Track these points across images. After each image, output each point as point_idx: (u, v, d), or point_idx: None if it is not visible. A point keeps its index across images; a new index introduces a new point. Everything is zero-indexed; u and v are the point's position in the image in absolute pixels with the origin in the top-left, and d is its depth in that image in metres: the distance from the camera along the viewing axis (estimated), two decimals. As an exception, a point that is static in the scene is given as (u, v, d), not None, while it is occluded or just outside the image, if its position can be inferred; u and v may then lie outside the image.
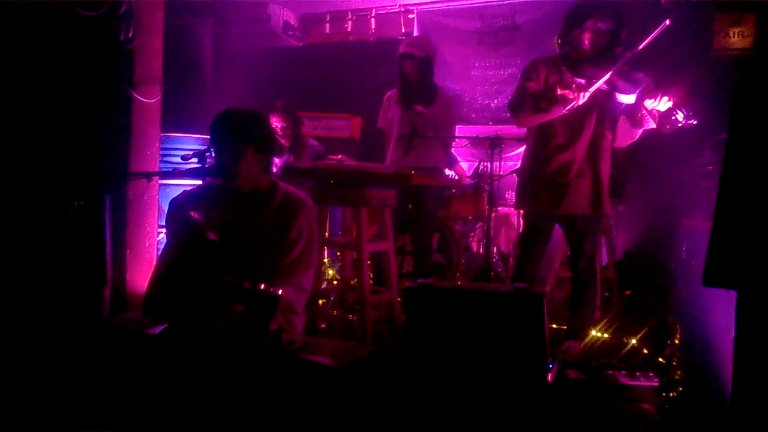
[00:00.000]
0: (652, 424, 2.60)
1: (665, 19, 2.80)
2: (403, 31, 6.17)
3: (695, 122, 2.91)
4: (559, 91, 3.01)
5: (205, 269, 2.20)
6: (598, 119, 3.19)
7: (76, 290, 3.38)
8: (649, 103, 2.94)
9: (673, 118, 2.90)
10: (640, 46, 2.88)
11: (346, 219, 4.92)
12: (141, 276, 3.59)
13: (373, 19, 6.36)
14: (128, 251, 3.61)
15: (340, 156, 3.96)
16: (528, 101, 3.12)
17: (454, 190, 4.89)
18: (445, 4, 6.00)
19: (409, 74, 4.13)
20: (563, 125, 3.18)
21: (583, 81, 3.09)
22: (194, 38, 5.37)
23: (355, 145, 5.67)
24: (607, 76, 2.99)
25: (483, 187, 4.80)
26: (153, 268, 2.35)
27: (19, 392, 2.55)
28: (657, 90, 2.91)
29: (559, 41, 3.19)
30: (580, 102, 3.01)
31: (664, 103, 2.89)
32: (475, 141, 4.67)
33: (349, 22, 6.47)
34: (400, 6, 6.15)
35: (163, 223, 2.49)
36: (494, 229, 4.84)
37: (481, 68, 5.84)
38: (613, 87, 3.05)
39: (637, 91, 2.99)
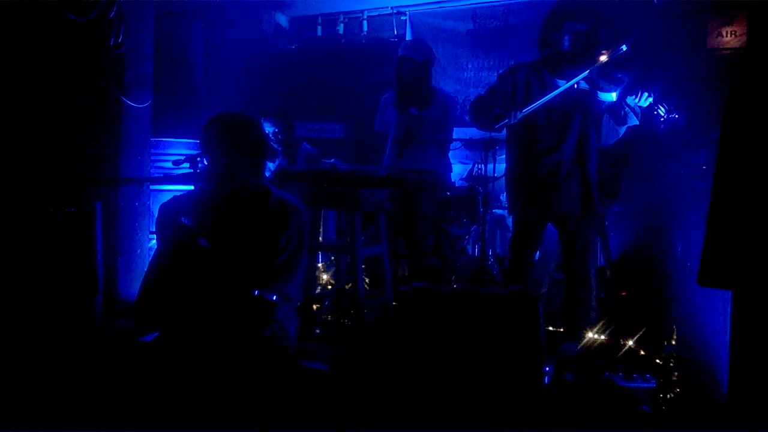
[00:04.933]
0: (650, 426, 2.59)
1: (624, 44, 2.95)
2: (395, 33, 6.15)
3: (677, 116, 2.96)
4: (495, 112, 3.15)
5: (197, 275, 2.19)
6: (583, 119, 3.22)
7: (68, 298, 3.35)
8: (630, 100, 3.00)
9: (655, 113, 2.96)
10: (602, 58, 2.99)
11: (340, 223, 4.90)
12: (132, 283, 3.57)
13: (365, 22, 6.34)
14: (119, 258, 3.59)
15: (333, 159, 3.94)
16: (476, 109, 3.29)
17: (448, 193, 4.88)
18: (437, 6, 5.99)
19: (407, 77, 4.12)
20: (549, 127, 3.21)
21: (563, 81, 3.15)
22: (185, 42, 5.34)
23: (348, 148, 5.66)
24: (564, 87, 3.07)
25: (477, 189, 4.78)
26: (144, 274, 2.33)
27: (12, 400, 2.52)
28: (638, 86, 2.96)
29: (540, 44, 3.23)
30: (513, 122, 3.10)
31: (644, 99, 2.95)
32: (469, 143, 4.65)
33: (341, 25, 6.45)
34: (392, 8, 6.13)
35: (154, 229, 2.46)
36: (489, 231, 4.82)
37: (475, 69, 5.83)
38: (594, 86, 3.09)
39: (619, 89, 3.03)
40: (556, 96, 3.13)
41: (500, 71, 3.45)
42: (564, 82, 3.13)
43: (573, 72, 3.08)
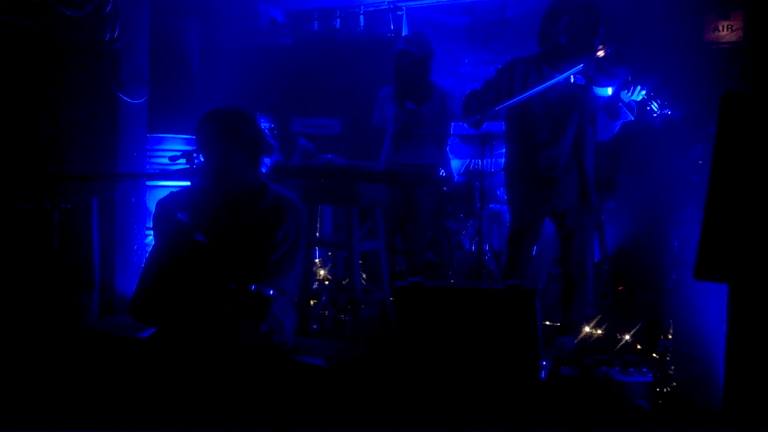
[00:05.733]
0: (646, 420, 2.60)
1: (611, 46, 3.00)
2: (392, 27, 6.13)
3: (670, 112, 2.97)
4: (471, 106, 3.22)
5: (194, 271, 2.19)
6: (580, 114, 3.23)
7: (64, 294, 3.34)
8: (624, 95, 3.01)
9: (648, 108, 2.97)
10: (600, 53, 3.01)
11: (337, 218, 4.90)
12: (129, 279, 3.57)
13: (361, 16, 6.33)
14: (116, 254, 3.59)
15: (330, 155, 3.93)
16: (464, 102, 3.32)
17: (445, 188, 4.87)
18: (434, 0, 5.97)
19: (405, 72, 4.11)
20: (547, 122, 3.23)
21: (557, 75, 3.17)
22: (181, 37, 5.32)
23: (345, 143, 5.64)
24: (552, 82, 3.08)
25: (474, 184, 4.78)
26: (141, 270, 2.32)
27: (6, 398, 2.52)
28: (632, 82, 2.97)
29: (539, 38, 3.24)
30: (485, 117, 3.17)
31: (638, 94, 2.96)
32: (466, 138, 4.64)
33: (338, 20, 6.43)
34: (388, 2, 6.11)
35: (151, 225, 2.46)
36: (486, 226, 4.82)
37: (472, 64, 5.81)
38: (590, 81, 3.09)
39: (615, 85, 3.04)
40: (554, 91, 3.13)
41: (497, 65, 3.45)
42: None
43: (571, 66, 3.09)
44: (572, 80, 3.12)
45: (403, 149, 4.11)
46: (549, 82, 3.09)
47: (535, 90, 3.09)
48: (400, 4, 6.06)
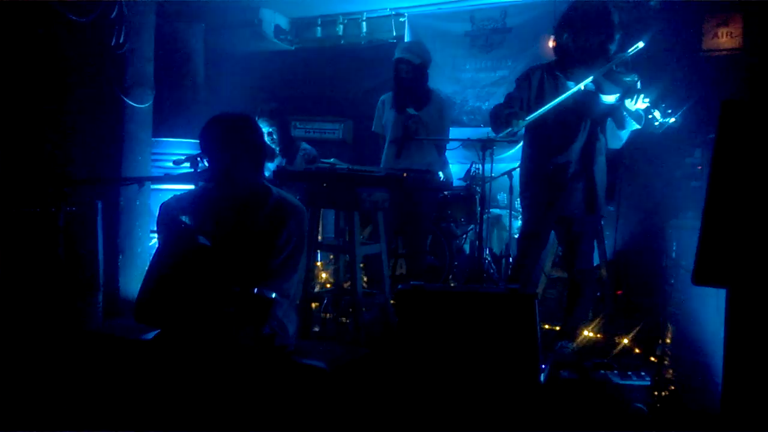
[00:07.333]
0: (645, 424, 2.61)
1: (640, 41, 2.99)
2: (394, 34, 6.17)
3: (672, 120, 2.97)
4: (501, 119, 3.14)
5: (197, 274, 2.20)
6: (591, 121, 3.23)
7: (69, 296, 3.36)
8: (628, 103, 2.99)
9: (650, 116, 2.97)
10: (614, 61, 3.02)
11: (339, 222, 4.92)
12: (133, 282, 3.58)
13: (364, 23, 6.37)
14: (120, 256, 3.61)
15: (332, 159, 3.96)
16: (490, 117, 3.28)
17: (446, 192, 4.90)
18: (436, 7, 6.01)
19: (404, 79, 4.16)
20: (559, 128, 3.22)
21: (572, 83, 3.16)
22: (186, 43, 5.35)
23: (348, 148, 5.67)
24: (570, 93, 3.07)
25: (475, 189, 4.80)
26: (145, 273, 2.34)
27: (12, 399, 2.53)
28: (636, 89, 2.97)
29: (554, 45, 3.23)
30: (516, 129, 3.09)
31: (641, 102, 2.96)
32: (467, 143, 4.67)
33: (341, 26, 6.48)
34: (390, 9, 6.15)
35: (155, 228, 2.48)
36: (486, 230, 4.83)
37: (473, 70, 5.85)
38: (599, 88, 3.10)
39: (620, 92, 3.04)
40: (567, 97, 3.12)
41: (498, 72, 3.45)
42: (574, 84, 3.13)
43: (586, 74, 3.08)
44: (583, 87, 3.12)
45: (403, 154, 4.15)
46: (565, 95, 3.07)
47: (558, 99, 3.07)
48: (402, 11, 6.10)
